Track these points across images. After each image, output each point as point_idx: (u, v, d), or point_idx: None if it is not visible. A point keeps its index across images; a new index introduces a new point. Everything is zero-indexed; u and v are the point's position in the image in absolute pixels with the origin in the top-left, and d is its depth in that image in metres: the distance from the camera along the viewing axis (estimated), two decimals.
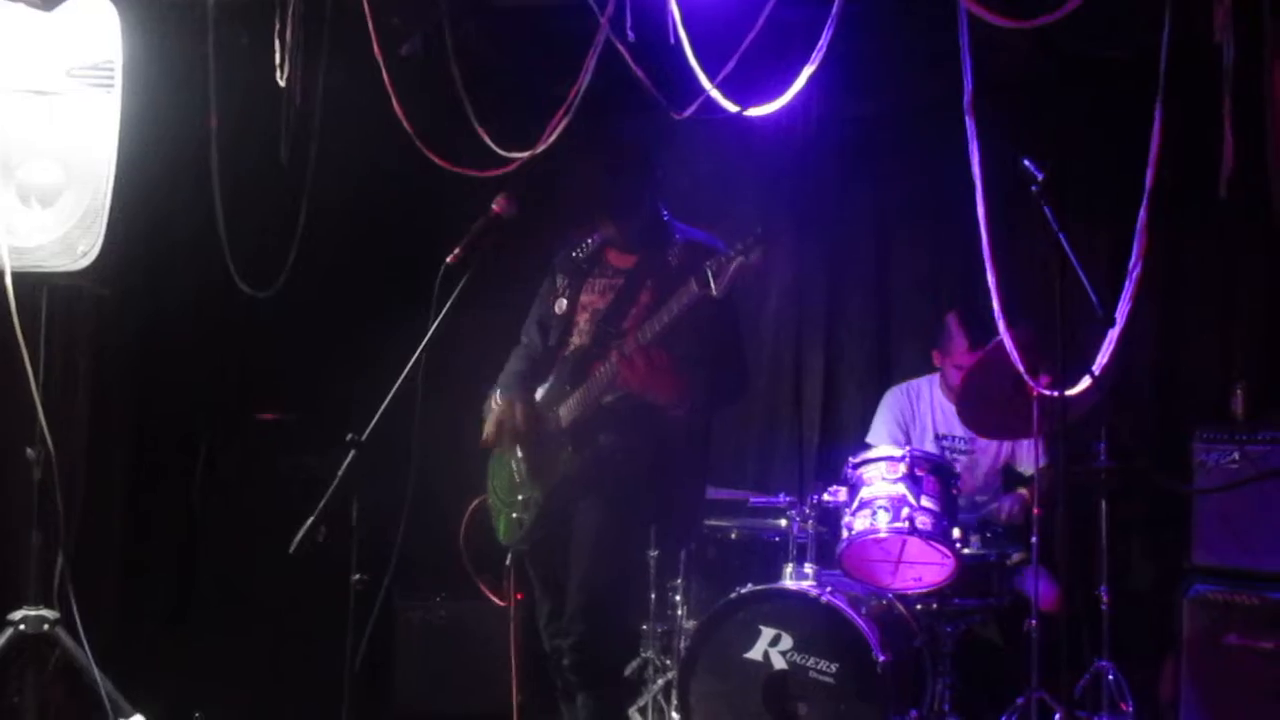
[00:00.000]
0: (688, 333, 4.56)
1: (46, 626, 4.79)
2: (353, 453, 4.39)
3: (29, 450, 4.77)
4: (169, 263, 5.64)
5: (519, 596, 4.97)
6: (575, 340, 4.84)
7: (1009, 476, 6.06)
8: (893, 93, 6.09)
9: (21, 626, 4.75)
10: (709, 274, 4.41)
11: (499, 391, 4.94)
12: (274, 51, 5.27)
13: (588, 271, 4.91)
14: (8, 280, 4.64)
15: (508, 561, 4.93)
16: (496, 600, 5.38)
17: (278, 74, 5.23)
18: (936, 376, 6.10)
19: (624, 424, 4.69)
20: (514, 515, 4.86)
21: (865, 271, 6.64)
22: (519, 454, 4.87)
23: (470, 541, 5.41)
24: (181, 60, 5.46)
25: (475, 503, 5.13)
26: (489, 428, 4.89)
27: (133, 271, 5.27)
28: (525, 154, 5.33)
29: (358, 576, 4.43)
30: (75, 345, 5.35)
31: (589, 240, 4.95)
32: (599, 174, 4.85)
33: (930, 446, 5.99)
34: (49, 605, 4.81)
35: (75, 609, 4.82)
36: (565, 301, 4.91)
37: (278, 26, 5.27)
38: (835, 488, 5.53)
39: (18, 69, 4.75)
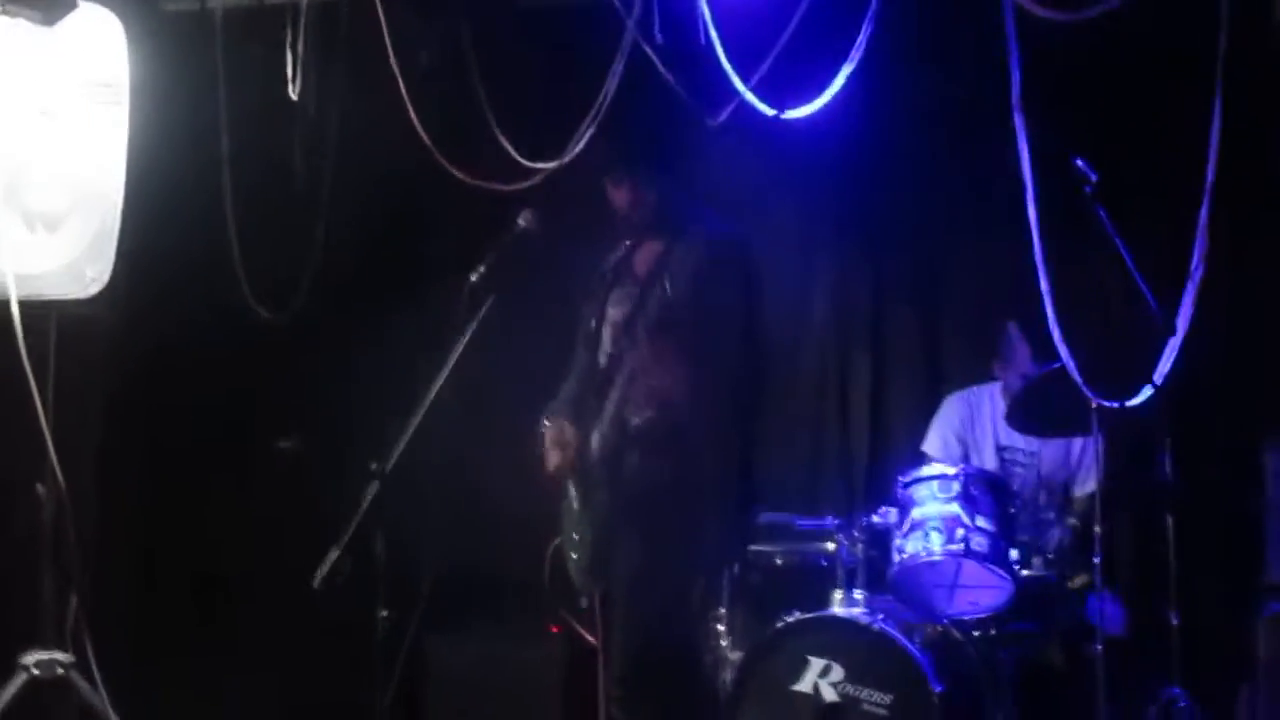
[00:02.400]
0: (682, 336, 4.39)
1: (61, 670, 4.61)
2: (376, 483, 4.24)
3: (39, 486, 4.60)
4: (182, 286, 5.46)
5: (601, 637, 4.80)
6: (601, 357, 4.67)
7: (1066, 500, 5.77)
8: (937, 91, 5.83)
9: (35, 670, 4.57)
10: (668, 278, 4.27)
11: (544, 421, 4.77)
12: (286, 64, 5.09)
13: (613, 283, 4.74)
14: (14, 309, 4.45)
15: (583, 603, 4.81)
16: (590, 639, 5.16)
17: (290, 88, 5.03)
18: (997, 385, 5.83)
19: (650, 447, 4.51)
20: (575, 556, 4.71)
21: (912, 279, 6.35)
22: (571, 487, 4.72)
23: (554, 583, 5.18)
24: (191, 75, 5.30)
25: (555, 543, 4.94)
26: (549, 455, 4.71)
27: (144, 296, 5.06)
28: (550, 165, 5.16)
29: (385, 614, 4.27)
30: (86, 375, 5.14)
31: (618, 251, 4.77)
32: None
33: (990, 457, 5.73)
34: (62, 648, 4.64)
35: (90, 651, 4.64)
36: (594, 322, 4.75)
37: (289, 38, 5.09)
38: (885, 509, 5.28)
39: (21, 88, 4.54)
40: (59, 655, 4.61)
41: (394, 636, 4.33)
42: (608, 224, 4.90)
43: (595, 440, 4.59)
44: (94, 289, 4.52)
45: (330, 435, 5.61)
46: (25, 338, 4.46)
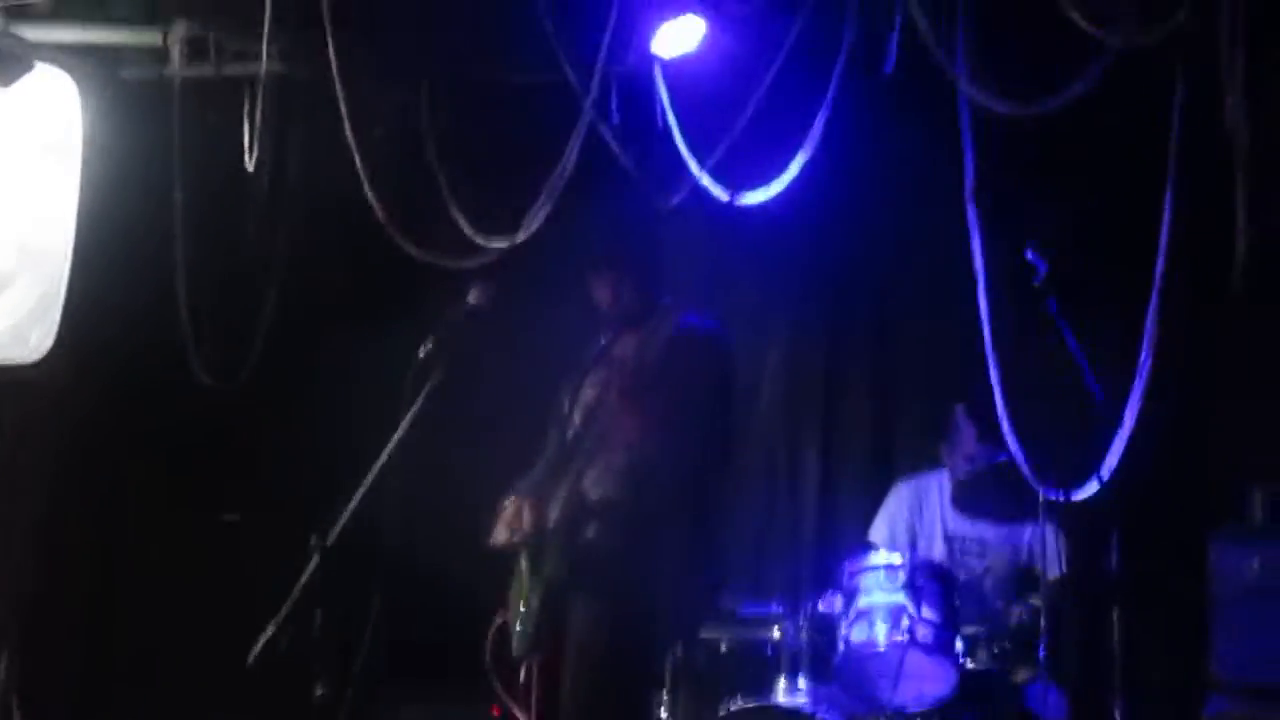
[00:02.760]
0: (654, 400, 4.40)
1: None
2: (316, 557, 4.18)
3: None
4: (129, 353, 5.37)
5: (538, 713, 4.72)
6: (569, 434, 4.65)
7: (1028, 582, 5.74)
8: (892, 177, 5.86)
9: None
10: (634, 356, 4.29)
11: (511, 494, 4.74)
12: (242, 134, 5.07)
13: (589, 369, 4.73)
14: None
15: (521, 676, 4.73)
16: (521, 717, 5.09)
17: (246, 157, 5.01)
18: (946, 472, 5.81)
19: (608, 520, 4.46)
20: (519, 626, 4.63)
21: (864, 363, 6.37)
22: (521, 560, 4.66)
23: (495, 658, 5.11)
24: (148, 141, 5.26)
25: (498, 621, 4.88)
26: (498, 530, 4.67)
27: (90, 363, 5.00)
28: (504, 243, 5.16)
29: (320, 691, 4.20)
30: (25, 442, 5.08)
31: (602, 340, 4.78)
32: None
33: (939, 545, 5.68)
34: None
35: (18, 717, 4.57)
36: (567, 401, 4.74)
37: (247, 107, 5.07)
38: (831, 595, 5.26)
39: None
40: None
41: (329, 714, 4.27)
42: (561, 300, 4.89)
43: (553, 511, 4.56)
44: (38, 354, 4.49)
45: (273, 508, 5.54)
46: None
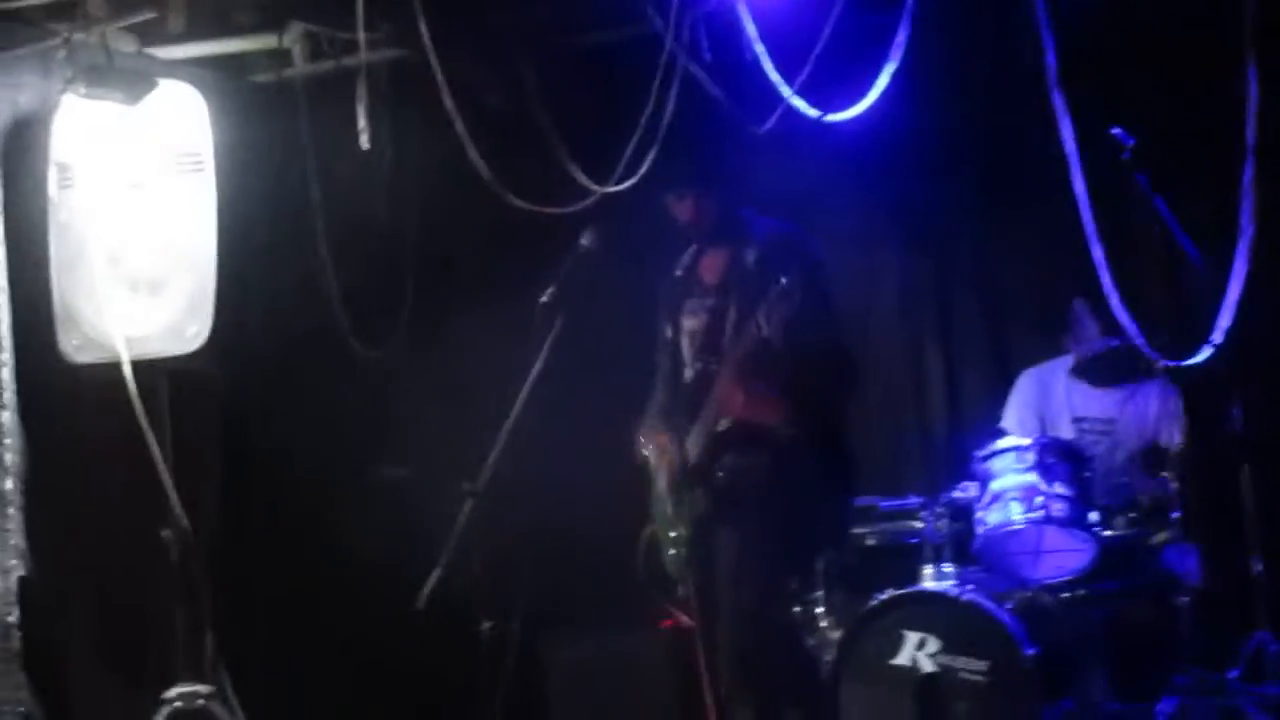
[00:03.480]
0: (776, 359, 4.56)
1: (201, 702, 4.92)
2: (469, 501, 4.50)
3: (164, 532, 4.93)
4: (284, 335, 5.74)
5: (698, 626, 4.97)
6: (686, 371, 4.88)
7: (1156, 457, 5.86)
8: (977, 79, 5.97)
9: (177, 704, 4.90)
10: (762, 320, 4.43)
11: (645, 427, 5.00)
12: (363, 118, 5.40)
13: (684, 293, 4.94)
14: (126, 369, 4.80)
15: (679, 591, 5.01)
16: (685, 622, 5.35)
17: (362, 139, 5.34)
18: (1069, 359, 5.94)
19: (740, 449, 4.71)
20: (672, 550, 4.92)
21: (973, 263, 6.51)
22: (664, 488, 4.94)
23: (649, 570, 5.38)
24: (277, 137, 5.60)
25: (647, 531, 5.15)
26: (655, 466, 4.95)
27: (250, 346, 5.37)
28: (621, 186, 5.38)
29: (487, 625, 4.52)
30: (200, 425, 5.48)
31: (684, 259, 4.98)
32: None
33: (1067, 430, 5.82)
34: (201, 681, 4.95)
35: (228, 683, 4.96)
36: (670, 327, 4.96)
37: (359, 94, 5.39)
38: (965, 484, 5.45)
39: (114, 164, 4.92)
40: (199, 688, 4.95)
41: (499, 646, 4.59)
42: (668, 237, 5.12)
43: (689, 444, 4.80)
44: (195, 344, 4.85)
45: (427, 462, 5.89)
46: (140, 394, 4.83)
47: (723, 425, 4.70)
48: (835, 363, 4.83)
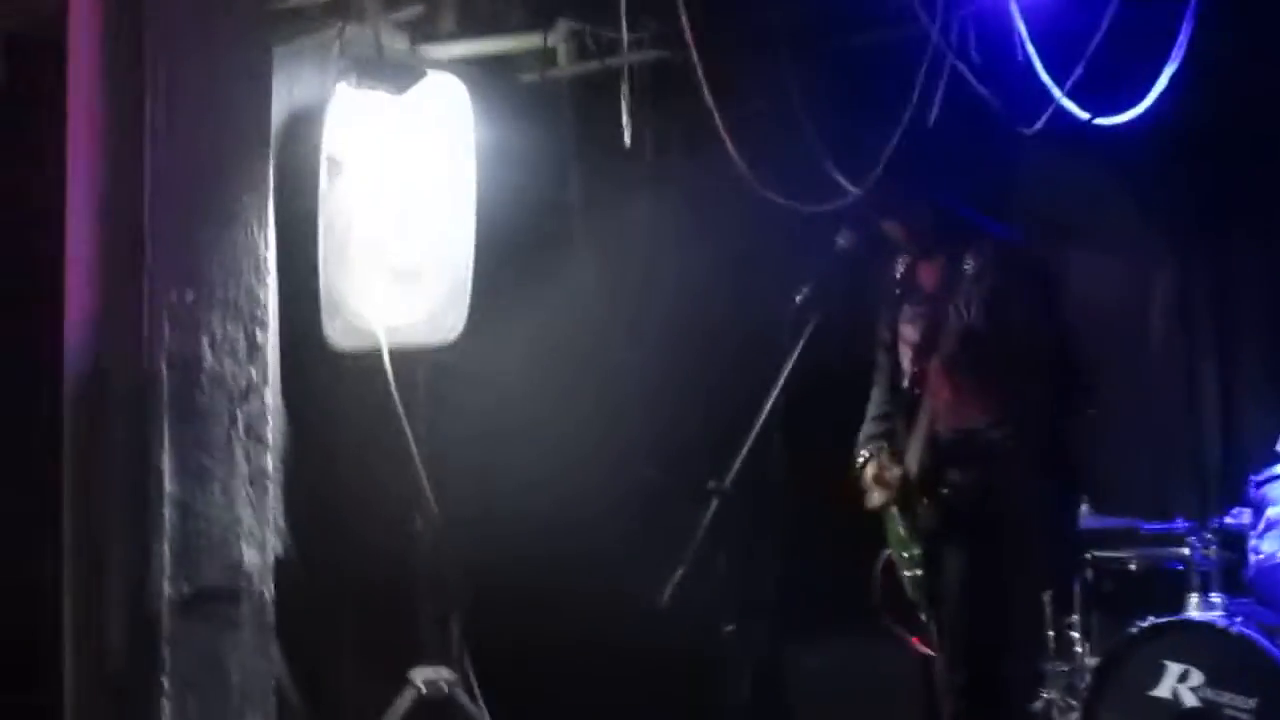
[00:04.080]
0: (985, 349, 4.41)
1: (445, 687, 5.00)
2: (715, 501, 4.45)
3: (417, 519, 5.03)
4: (537, 331, 5.79)
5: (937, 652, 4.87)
6: (904, 379, 4.77)
7: None
8: (1256, 85, 5.68)
9: (422, 687, 4.99)
10: (962, 304, 4.29)
11: (860, 449, 4.91)
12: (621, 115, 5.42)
13: (902, 299, 4.84)
14: (385, 357, 4.91)
15: (922, 616, 4.90)
16: (923, 650, 5.24)
17: (625, 137, 5.36)
18: None
19: (959, 462, 4.57)
20: (907, 573, 4.82)
21: (1255, 273, 6.19)
22: (895, 511, 4.83)
23: (886, 596, 5.29)
24: (541, 135, 5.68)
25: (884, 556, 5.07)
26: (871, 494, 4.86)
27: (509, 342, 5.44)
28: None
29: (730, 627, 4.47)
30: (454, 417, 5.56)
31: (899, 265, 4.87)
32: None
33: None
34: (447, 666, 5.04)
35: (471, 671, 5.03)
36: (889, 335, 4.87)
37: (623, 93, 5.42)
38: (1239, 509, 5.17)
39: (381, 156, 5.05)
40: (444, 673, 5.04)
41: (742, 649, 4.53)
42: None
43: (909, 457, 4.69)
44: (453, 335, 4.95)
45: (680, 462, 5.85)
46: (398, 382, 4.94)
47: (946, 436, 4.57)
48: (1059, 370, 4.64)
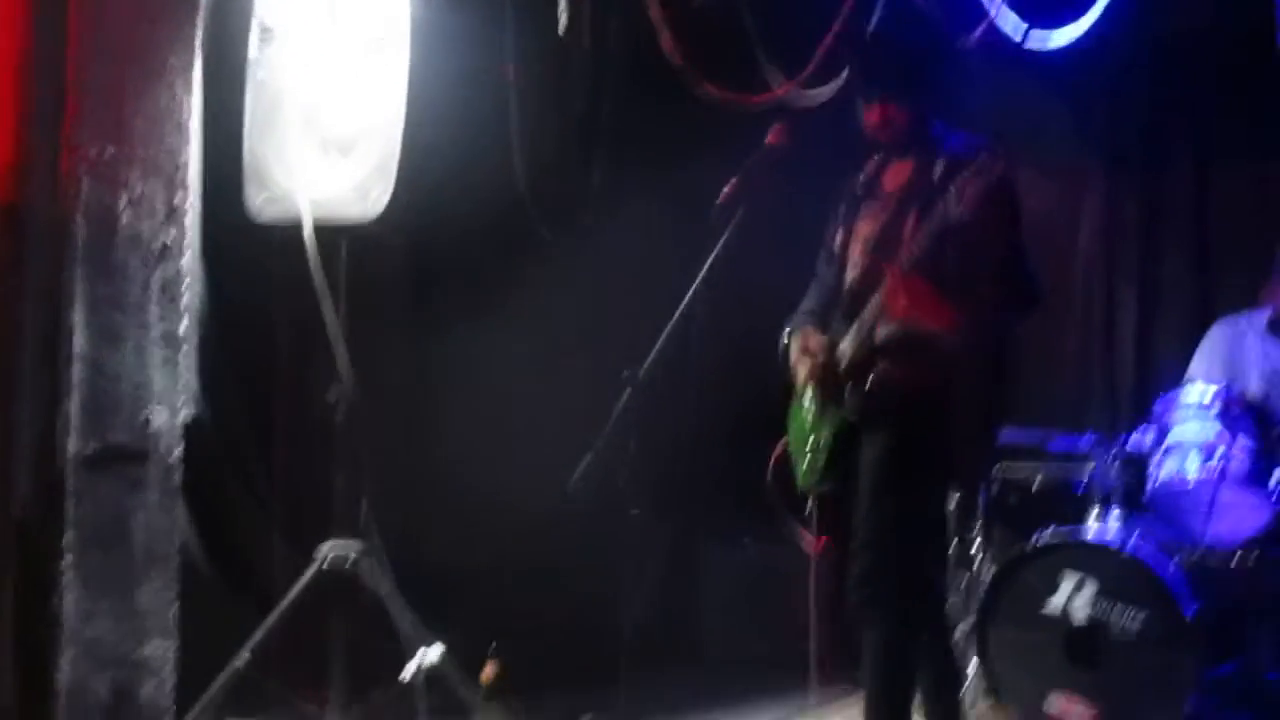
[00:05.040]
0: (956, 256, 4.38)
1: (353, 558, 5.01)
2: (628, 390, 4.47)
3: (329, 393, 5.02)
4: (475, 210, 5.75)
5: (822, 540, 4.90)
6: (850, 273, 4.72)
7: None
8: (1197, 9, 5.70)
9: (331, 558, 4.99)
10: (953, 196, 4.25)
11: (788, 331, 4.88)
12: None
13: (863, 198, 4.78)
14: (307, 229, 4.88)
15: (808, 506, 4.90)
16: (807, 544, 5.30)
17: (560, 23, 5.32)
18: (1269, 310, 5.67)
19: (898, 358, 4.54)
20: (807, 459, 4.79)
21: (1181, 204, 6.25)
22: (809, 393, 4.81)
23: (779, 485, 5.33)
24: (480, 17, 5.60)
25: (779, 448, 5.08)
26: (798, 364, 4.83)
27: (432, 219, 5.40)
28: (823, 88, 5.27)
29: (635, 512, 4.50)
30: (376, 293, 5.54)
31: (867, 168, 4.84)
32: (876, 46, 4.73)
33: (1257, 384, 5.56)
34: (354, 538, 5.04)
35: (379, 545, 5.03)
36: (842, 232, 4.81)
37: None
38: (1144, 430, 5.26)
39: (313, 27, 4.98)
40: (352, 544, 5.04)
41: (647, 537, 4.57)
42: (859, 147, 4.99)
43: (842, 349, 4.67)
44: (377, 209, 4.89)
45: (602, 348, 5.86)
46: (321, 254, 4.91)
47: (883, 332, 4.54)
48: (1017, 285, 4.63)
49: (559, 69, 5.71)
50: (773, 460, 5.04)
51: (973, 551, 5.50)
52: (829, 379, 4.66)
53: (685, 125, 5.72)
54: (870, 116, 4.73)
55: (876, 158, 4.82)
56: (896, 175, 4.72)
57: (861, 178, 4.84)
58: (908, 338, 4.53)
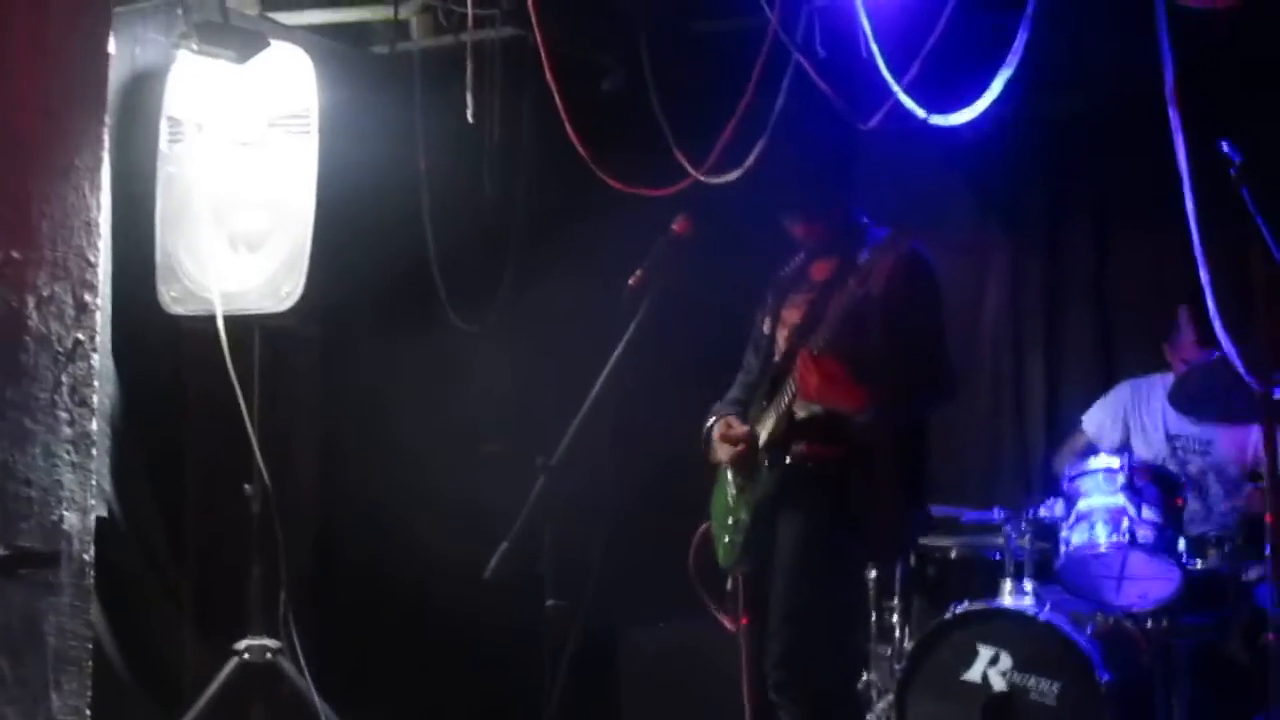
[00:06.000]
0: (867, 335, 4.46)
1: (270, 656, 4.99)
2: (543, 478, 4.48)
3: (246, 486, 5.01)
4: (382, 301, 5.78)
5: (744, 620, 4.92)
6: (775, 359, 4.81)
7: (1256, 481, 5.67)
8: (1092, 88, 5.85)
9: (246, 656, 4.98)
10: (863, 273, 4.33)
11: (711, 420, 4.94)
12: (482, 97, 5.42)
13: (790, 288, 4.87)
14: (220, 323, 4.89)
15: (728, 586, 4.93)
16: (728, 625, 5.32)
17: (468, 112, 5.37)
18: (1171, 376, 5.79)
19: (813, 437, 4.61)
20: (727, 539, 4.83)
21: (1082, 272, 6.41)
22: (729, 475, 4.86)
23: (700, 567, 5.36)
24: (390, 108, 5.64)
25: (702, 528, 5.12)
26: (717, 448, 4.88)
27: (346, 311, 5.43)
28: (730, 175, 5.33)
29: (551, 602, 4.50)
30: (292, 385, 5.56)
31: (797, 258, 4.92)
32: (792, 175, 4.81)
33: (1160, 444, 5.71)
34: (273, 637, 5.02)
35: (297, 640, 5.01)
36: (769, 320, 4.89)
37: (469, 67, 5.42)
38: (1052, 500, 5.35)
39: (223, 122, 5.02)
40: (269, 642, 5.02)
41: (564, 624, 4.57)
42: (766, 232, 5.07)
43: (762, 431, 4.72)
44: (289, 303, 4.92)
45: (519, 437, 5.87)
46: (232, 351, 4.92)
47: (801, 413, 4.61)
48: (932, 368, 4.70)
49: (469, 156, 5.75)
50: (695, 542, 5.07)
51: (893, 621, 5.55)
52: (748, 460, 4.73)
53: (597, 208, 5.78)
54: (795, 230, 4.83)
55: (807, 252, 4.90)
56: (824, 267, 4.81)
57: (789, 270, 4.93)
58: (823, 417, 4.60)
